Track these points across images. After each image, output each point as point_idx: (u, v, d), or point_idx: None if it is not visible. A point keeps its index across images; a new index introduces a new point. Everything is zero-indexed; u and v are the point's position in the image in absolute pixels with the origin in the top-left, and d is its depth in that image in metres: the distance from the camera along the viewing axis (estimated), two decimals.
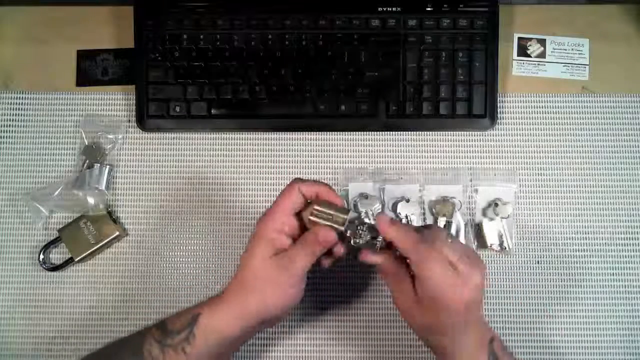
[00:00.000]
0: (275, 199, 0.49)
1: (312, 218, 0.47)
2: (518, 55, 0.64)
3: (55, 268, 0.60)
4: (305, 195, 0.48)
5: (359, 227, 0.48)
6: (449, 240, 0.47)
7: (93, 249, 0.59)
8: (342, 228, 0.47)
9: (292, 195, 0.48)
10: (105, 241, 0.59)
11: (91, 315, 0.60)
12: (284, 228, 0.48)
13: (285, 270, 0.47)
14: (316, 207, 0.48)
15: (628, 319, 0.59)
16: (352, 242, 0.48)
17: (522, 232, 0.61)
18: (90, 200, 0.60)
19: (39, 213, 0.61)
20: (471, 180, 0.62)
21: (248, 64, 0.61)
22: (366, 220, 0.57)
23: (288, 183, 0.49)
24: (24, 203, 0.61)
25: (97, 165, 0.61)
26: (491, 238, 0.60)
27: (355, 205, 0.60)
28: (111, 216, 0.60)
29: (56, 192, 0.61)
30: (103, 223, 0.60)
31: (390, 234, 0.47)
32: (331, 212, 0.47)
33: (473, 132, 0.63)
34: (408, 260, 0.47)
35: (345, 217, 0.47)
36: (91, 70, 0.64)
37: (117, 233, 0.59)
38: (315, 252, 0.47)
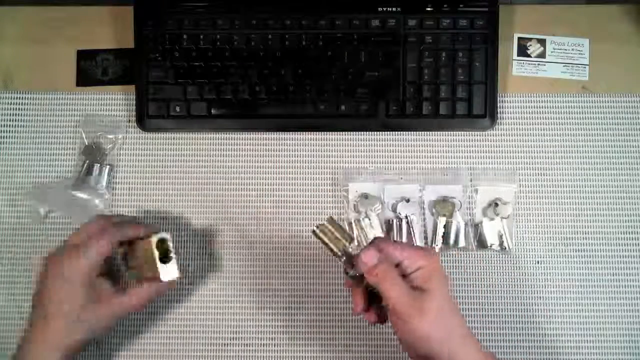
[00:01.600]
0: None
1: (317, 231, 0.47)
2: (518, 55, 0.64)
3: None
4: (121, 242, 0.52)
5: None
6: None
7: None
8: (339, 254, 0.47)
9: (107, 245, 0.51)
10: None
11: None
12: (102, 269, 0.52)
13: (105, 309, 0.51)
14: (326, 224, 0.47)
15: (628, 319, 0.59)
16: (347, 272, 0.48)
17: (522, 232, 0.61)
18: (90, 201, 0.60)
19: (38, 212, 0.61)
20: (471, 180, 0.62)
21: (248, 64, 0.61)
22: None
23: (95, 225, 0.52)
24: (23, 202, 0.61)
25: (97, 165, 0.61)
26: (491, 238, 0.60)
27: (355, 205, 0.60)
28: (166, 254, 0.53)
29: (56, 192, 0.61)
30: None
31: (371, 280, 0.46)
32: (337, 234, 0.47)
33: (473, 132, 0.63)
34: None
35: (347, 243, 0.47)
36: (91, 70, 0.64)
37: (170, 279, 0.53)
38: (141, 304, 0.53)
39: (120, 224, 0.53)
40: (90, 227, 0.52)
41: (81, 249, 0.50)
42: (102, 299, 0.51)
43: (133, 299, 0.52)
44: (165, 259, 0.52)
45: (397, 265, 0.46)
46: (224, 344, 0.59)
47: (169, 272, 0.52)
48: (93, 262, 0.50)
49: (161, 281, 0.52)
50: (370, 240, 0.47)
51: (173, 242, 0.53)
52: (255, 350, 0.59)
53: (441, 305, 0.45)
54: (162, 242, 0.52)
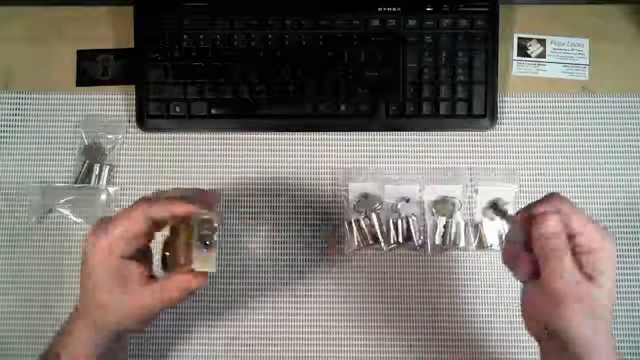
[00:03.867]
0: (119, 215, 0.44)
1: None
2: (518, 55, 0.64)
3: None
4: (157, 220, 0.44)
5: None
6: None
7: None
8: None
9: (137, 222, 0.43)
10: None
11: None
12: (132, 252, 0.44)
13: (133, 298, 0.43)
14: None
15: (628, 319, 0.59)
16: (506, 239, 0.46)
17: None
18: (90, 201, 0.60)
19: (37, 212, 0.61)
20: (471, 180, 0.62)
21: (248, 64, 0.61)
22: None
23: (134, 204, 0.44)
24: (23, 202, 0.61)
25: (97, 165, 0.61)
26: (491, 238, 0.60)
27: (355, 205, 0.60)
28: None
29: (56, 192, 0.61)
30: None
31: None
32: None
33: (473, 132, 0.63)
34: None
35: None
36: (91, 70, 0.64)
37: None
38: (173, 300, 0.44)
39: (165, 199, 0.45)
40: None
41: (103, 226, 0.43)
42: (130, 286, 0.43)
43: (164, 294, 0.44)
44: (205, 245, 0.44)
45: (570, 237, 0.40)
46: (225, 344, 0.59)
47: (205, 261, 0.44)
48: (116, 240, 0.43)
49: (192, 270, 0.44)
50: (546, 195, 0.42)
51: (219, 228, 0.45)
52: (255, 350, 0.59)
53: (604, 304, 0.39)
54: (205, 225, 0.44)
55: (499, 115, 0.62)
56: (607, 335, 0.40)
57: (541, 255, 0.40)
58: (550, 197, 0.42)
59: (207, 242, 0.44)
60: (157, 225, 0.45)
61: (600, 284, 0.39)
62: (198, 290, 0.45)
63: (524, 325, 0.43)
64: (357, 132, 0.63)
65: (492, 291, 0.60)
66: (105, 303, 0.44)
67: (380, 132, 0.63)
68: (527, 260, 0.42)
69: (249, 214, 0.61)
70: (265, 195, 0.62)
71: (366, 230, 0.60)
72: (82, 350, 0.45)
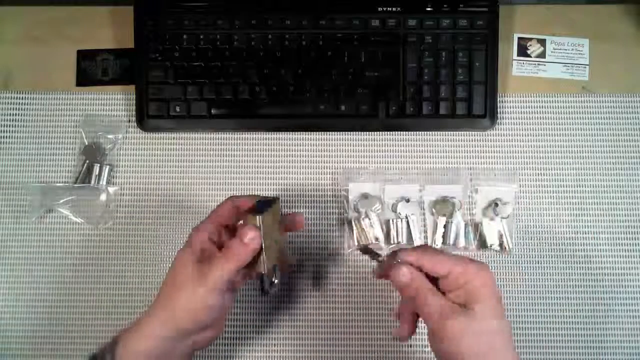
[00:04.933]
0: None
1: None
2: (518, 55, 0.64)
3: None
4: (240, 207, 0.49)
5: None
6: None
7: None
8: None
9: (224, 207, 0.49)
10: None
11: (91, 315, 0.60)
12: (212, 237, 0.47)
13: (204, 278, 0.44)
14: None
15: (628, 319, 0.59)
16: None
17: (522, 232, 0.61)
18: (90, 201, 0.60)
19: (37, 212, 0.61)
20: (471, 180, 0.62)
21: (248, 64, 0.61)
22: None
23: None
24: (23, 202, 0.61)
25: (97, 165, 0.61)
26: (491, 238, 0.60)
27: (355, 205, 0.60)
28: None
29: (56, 192, 0.61)
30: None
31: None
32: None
33: (473, 132, 0.63)
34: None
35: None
36: (91, 70, 0.64)
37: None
38: (239, 257, 0.45)
39: (231, 197, 0.50)
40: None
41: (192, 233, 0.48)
42: (203, 266, 0.45)
43: (227, 254, 0.45)
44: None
45: (438, 279, 0.44)
46: (225, 344, 0.59)
47: (266, 224, 0.47)
48: (194, 249, 0.46)
49: (257, 228, 0.46)
50: (414, 247, 0.46)
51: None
52: (255, 350, 0.59)
53: (483, 328, 0.42)
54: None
55: (499, 115, 0.62)
56: (500, 351, 0.42)
57: (411, 301, 0.45)
58: (416, 248, 0.46)
59: (257, 207, 0.48)
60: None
61: (474, 308, 0.42)
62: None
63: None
64: (357, 132, 0.63)
65: None
66: (181, 296, 0.45)
67: (380, 132, 0.63)
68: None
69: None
70: (266, 195, 0.62)
71: (366, 230, 0.60)
72: (143, 346, 0.45)
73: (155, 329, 0.45)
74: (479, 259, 0.60)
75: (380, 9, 0.62)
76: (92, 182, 0.61)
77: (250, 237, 0.45)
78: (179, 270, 0.46)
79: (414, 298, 0.44)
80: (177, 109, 0.61)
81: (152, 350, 0.45)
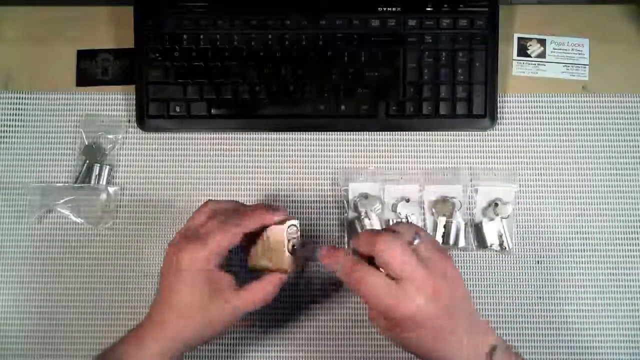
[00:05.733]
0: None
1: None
2: (518, 55, 0.64)
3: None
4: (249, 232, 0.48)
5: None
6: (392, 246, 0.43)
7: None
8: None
9: (235, 236, 0.47)
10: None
11: (91, 315, 0.60)
12: (222, 262, 0.48)
13: (229, 307, 0.46)
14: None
15: (628, 319, 0.59)
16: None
17: (522, 232, 0.61)
18: (90, 201, 0.60)
19: (37, 212, 0.61)
20: (471, 180, 0.62)
21: (248, 64, 0.61)
22: None
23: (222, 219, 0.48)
24: (23, 202, 0.61)
25: (97, 165, 0.61)
26: (491, 238, 0.60)
27: (355, 205, 0.60)
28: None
29: (56, 192, 0.61)
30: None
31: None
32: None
33: (473, 132, 0.63)
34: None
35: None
36: (91, 70, 0.64)
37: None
38: (266, 299, 0.48)
39: (252, 212, 0.49)
40: (213, 211, 0.49)
41: (202, 239, 0.46)
42: (222, 294, 0.46)
43: (256, 294, 0.47)
44: (293, 247, 0.49)
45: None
46: (225, 344, 0.59)
47: (293, 263, 0.49)
48: (214, 254, 0.46)
49: (286, 272, 0.49)
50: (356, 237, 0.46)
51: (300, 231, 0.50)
52: (255, 350, 0.59)
53: (414, 295, 0.42)
54: (290, 230, 0.49)
55: (499, 115, 0.62)
56: (457, 319, 0.43)
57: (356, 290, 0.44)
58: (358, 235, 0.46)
59: (294, 245, 0.50)
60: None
61: (401, 277, 0.42)
62: None
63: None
64: (357, 132, 0.63)
65: (491, 291, 0.60)
66: (194, 313, 0.46)
67: (380, 132, 0.63)
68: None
69: None
70: (266, 195, 0.62)
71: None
72: None
73: (163, 345, 0.46)
74: (479, 259, 0.60)
75: (380, 9, 0.62)
76: (92, 182, 0.61)
77: (279, 284, 0.48)
78: (196, 276, 0.46)
79: (355, 283, 0.44)
80: (177, 109, 0.61)
81: None
